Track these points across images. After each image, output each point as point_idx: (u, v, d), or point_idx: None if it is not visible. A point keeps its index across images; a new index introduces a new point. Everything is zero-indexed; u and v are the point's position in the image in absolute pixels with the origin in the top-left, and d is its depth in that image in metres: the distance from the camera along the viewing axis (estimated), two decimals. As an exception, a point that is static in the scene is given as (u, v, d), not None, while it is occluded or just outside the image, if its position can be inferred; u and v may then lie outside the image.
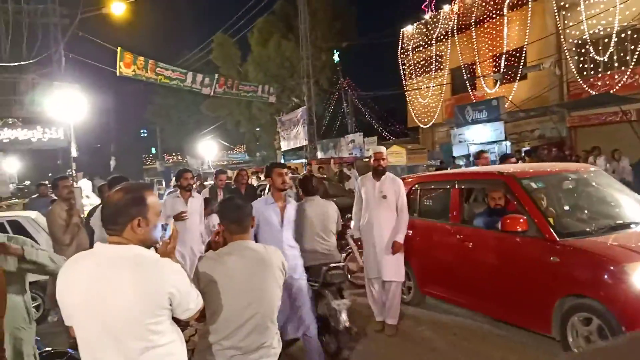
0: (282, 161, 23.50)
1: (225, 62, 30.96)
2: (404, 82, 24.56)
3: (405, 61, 24.34)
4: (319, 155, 24.50)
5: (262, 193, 8.97)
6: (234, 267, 2.42)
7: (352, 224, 5.63)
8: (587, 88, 15.50)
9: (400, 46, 24.38)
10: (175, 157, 48.56)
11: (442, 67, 22.09)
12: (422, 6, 22.85)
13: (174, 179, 20.41)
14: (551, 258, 4.17)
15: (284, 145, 27.07)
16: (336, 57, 29.16)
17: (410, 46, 23.79)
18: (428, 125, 23.09)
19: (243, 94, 23.99)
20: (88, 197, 14.44)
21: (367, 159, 13.12)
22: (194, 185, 6.55)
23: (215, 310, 2.36)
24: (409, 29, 23.89)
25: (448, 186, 5.70)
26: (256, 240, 4.09)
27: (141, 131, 58.12)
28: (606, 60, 14.99)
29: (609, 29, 14.64)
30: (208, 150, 32.42)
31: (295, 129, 24.86)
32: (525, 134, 17.71)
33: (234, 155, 40.73)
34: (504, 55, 18.44)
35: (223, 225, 2.59)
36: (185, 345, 2.03)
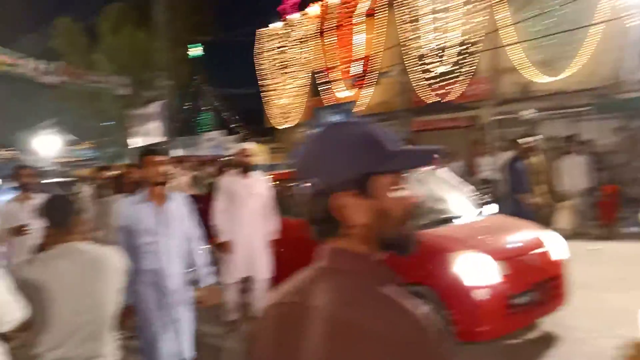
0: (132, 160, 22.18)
1: (70, 50, 28.37)
2: (261, 82, 24.80)
3: (262, 62, 24.61)
4: (180, 153, 23.65)
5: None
6: (63, 271, 2.23)
7: (216, 225, 5.29)
8: (427, 96, 17.10)
9: (256, 47, 24.58)
10: (9, 152, 43.17)
11: (300, 69, 22.71)
12: (277, 8, 23.35)
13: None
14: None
15: (137, 142, 25.58)
16: (196, 52, 28.40)
17: (268, 47, 24.10)
18: (286, 126, 23.59)
19: (90, 85, 22.25)
20: None
21: (227, 158, 12.92)
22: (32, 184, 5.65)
23: (42, 319, 2.16)
24: (265, 30, 24.18)
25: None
26: (125, 249, 3.21)
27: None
28: (444, 71, 16.67)
29: (447, 43, 16.32)
30: (49, 145, 29.43)
31: (149, 125, 23.64)
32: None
33: (81, 151, 37.46)
34: (358, 61, 19.57)
35: (47, 226, 2.38)
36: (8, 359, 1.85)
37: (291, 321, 0.94)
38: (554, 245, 4.98)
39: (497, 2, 14.80)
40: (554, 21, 13.12)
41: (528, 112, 13.55)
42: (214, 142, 24.08)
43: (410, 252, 1.01)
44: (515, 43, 14.26)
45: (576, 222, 9.22)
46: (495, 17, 14.86)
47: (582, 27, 12.55)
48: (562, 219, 8.69)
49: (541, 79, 14.13)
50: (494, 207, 6.94)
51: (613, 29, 12.22)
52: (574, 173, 9.29)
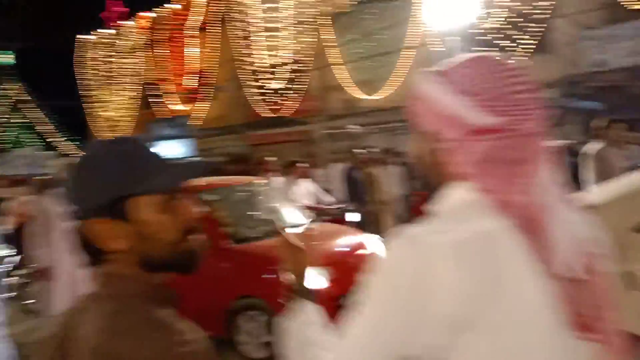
0: None
1: None
2: (84, 93, 23.04)
3: (84, 71, 22.89)
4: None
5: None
6: None
7: (35, 252, 4.81)
8: (262, 111, 17.52)
9: (77, 55, 22.79)
10: None
11: (128, 80, 21.57)
12: (101, 15, 22.03)
13: None
14: (224, 264, 4.57)
15: None
16: (5, 59, 25.28)
17: (91, 56, 22.50)
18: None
19: None
20: None
21: (46, 177, 11.65)
22: None
23: None
24: (87, 38, 22.55)
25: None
26: None
27: None
28: (277, 87, 17.25)
29: (279, 60, 16.94)
30: None
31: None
32: (214, 150, 18.84)
33: None
34: (191, 75, 19.24)
35: None
36: None
37: (60, 355, 0.88)
38: (376, 247, 5.47)
39: (323, 24, 15.83)
40: (373, 45, 14.48)
41: (353, 127, 14.68)
42: (28, 160, 21.57)
43: (192, 271, 0.98)
44: (340, 63, 15.39)
45: (395, 225, 10.21)
46: (322, 38, 15.89)
47: (395, 51, 14.06)
48: (383, 223, 9.55)
49: (363, 97, 15.46)
50: (356, 216, 7.40)
51: (423, 54, 13.91)
52: (391, 181, 10.30)
